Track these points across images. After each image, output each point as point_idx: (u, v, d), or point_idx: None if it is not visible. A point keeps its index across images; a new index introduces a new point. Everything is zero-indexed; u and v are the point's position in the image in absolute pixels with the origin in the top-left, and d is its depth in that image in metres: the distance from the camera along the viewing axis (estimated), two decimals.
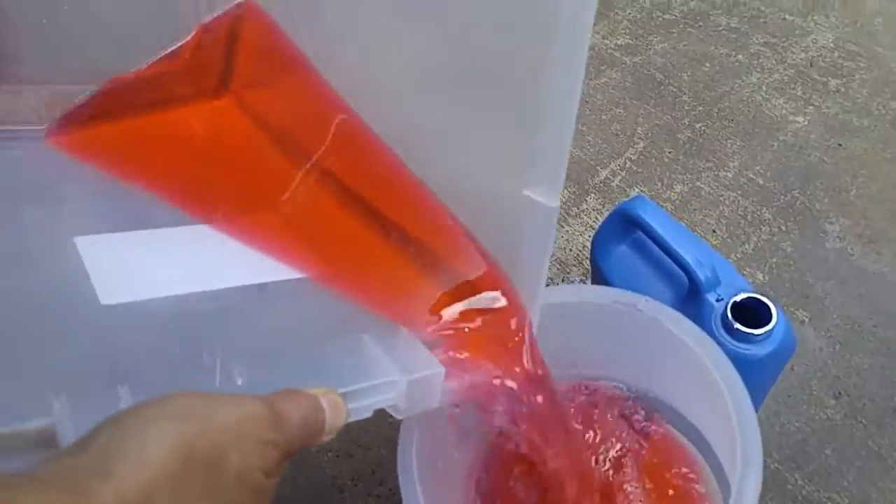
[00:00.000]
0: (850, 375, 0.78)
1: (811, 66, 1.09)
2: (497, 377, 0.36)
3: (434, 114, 0.37)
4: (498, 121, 0.37)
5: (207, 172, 0.37)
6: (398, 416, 0.34)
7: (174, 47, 0.35)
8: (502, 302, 0.37)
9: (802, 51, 1.11)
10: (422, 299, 0.37)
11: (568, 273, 0.92)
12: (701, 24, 1.19)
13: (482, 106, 0.36)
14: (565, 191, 1.01)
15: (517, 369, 0.36)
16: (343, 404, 0.29)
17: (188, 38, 0.35)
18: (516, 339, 0.37)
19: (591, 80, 1.14)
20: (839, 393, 0.77)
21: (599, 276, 0.65)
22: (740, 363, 0.53)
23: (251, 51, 0.37)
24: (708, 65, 1.11)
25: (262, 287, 0.35)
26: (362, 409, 0.31)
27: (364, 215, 0.38)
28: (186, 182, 0.37)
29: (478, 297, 0.37)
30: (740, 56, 1.13)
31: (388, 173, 0.39)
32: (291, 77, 0.38)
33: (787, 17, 1.16)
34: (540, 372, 0.38)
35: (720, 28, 1.18)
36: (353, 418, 0.31)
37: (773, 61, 1.11)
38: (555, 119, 0.33)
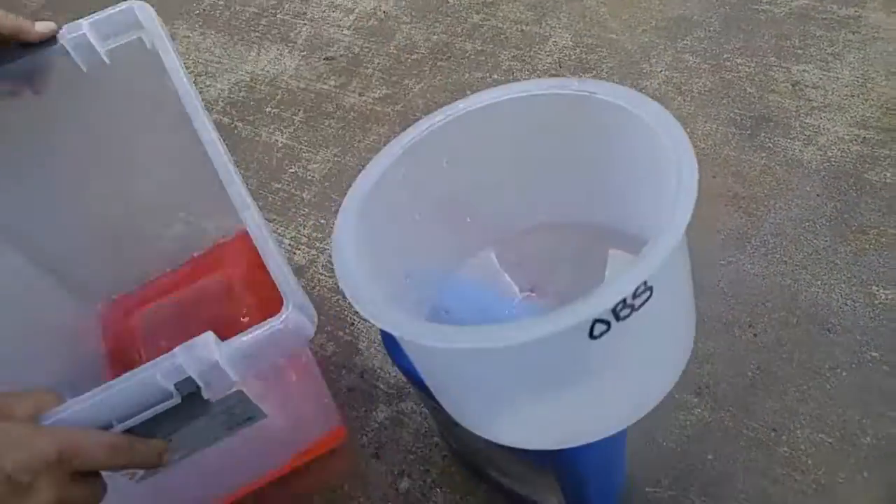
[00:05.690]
0: (703, 365, 0.71)
1: (560, 67, 1.06)
2: None
3: None
4: None
5: None
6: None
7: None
8: None
9: (548, 55, 1.08)
10: None
11: None
12: (449, 55, 1.13)
13: None
14: None
15: None
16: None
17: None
18: None
19: (359, 140, 1.03)
20: (699, 389, 0.69)
21: None
22: None
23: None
24: (468, 91, 1.04)
25: None
26: None
27: None
28: None
29: None
30: (495, 75, 1.08)
31: None
32: None
33: (524, 28, 1.13)
34: None
35: (468, 54, 1.12)
36: None
37: (526, 72, 1.07)
38: None
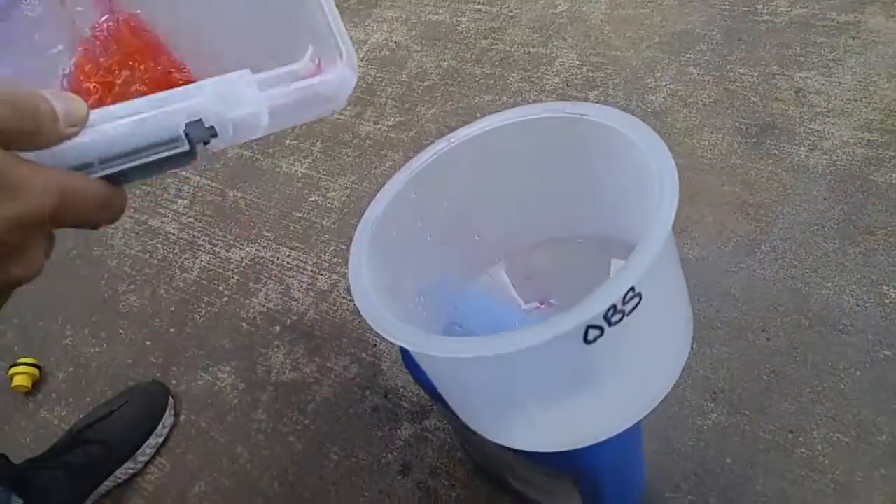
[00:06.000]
0: (717, 370, 0.72)
1: (568, 86, 1.09)
2: None
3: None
4: None
5: None
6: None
7: None
8: None
9: (555, 75, 1.11)
10: None
11: None
12: (459, 80, 1.16)
13: None
14: None
15: None
16: (79, 99, 0.28)
17: None
18: None
19: (376, 167, 1.07)
20: (715, 394, 0.70)
21: None
22: None
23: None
24: (479, 115, 1.07)
25: None
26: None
27: None
28: None
29: None
30: (504, 97, 1.11)
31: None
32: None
33: (531, 50, 1.16)
34: None
35: (478, 78, 1.15)
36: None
37: (535, 92, 1.10)
38: None
